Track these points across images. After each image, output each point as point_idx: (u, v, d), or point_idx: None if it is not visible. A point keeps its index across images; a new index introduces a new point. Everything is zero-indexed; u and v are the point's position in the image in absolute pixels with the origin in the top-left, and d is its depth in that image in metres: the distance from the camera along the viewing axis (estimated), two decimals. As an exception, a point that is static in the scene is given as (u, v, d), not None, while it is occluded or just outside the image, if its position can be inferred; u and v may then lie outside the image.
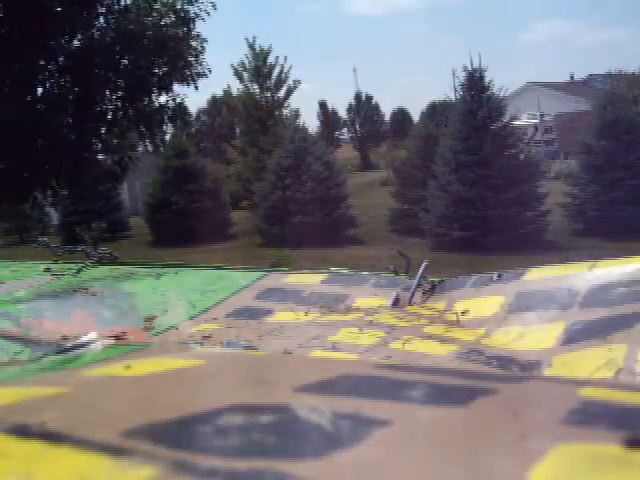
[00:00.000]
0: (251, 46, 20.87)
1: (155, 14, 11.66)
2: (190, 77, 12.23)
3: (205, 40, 12.44)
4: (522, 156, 12.17)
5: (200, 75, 12.30)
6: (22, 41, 10.21)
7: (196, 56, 12.32)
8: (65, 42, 11.22)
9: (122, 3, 11.65)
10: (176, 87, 12.26)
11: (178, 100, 12.48)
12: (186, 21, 11.95)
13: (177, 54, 11.72)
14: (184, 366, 0.32)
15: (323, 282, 0.74)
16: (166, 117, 12.57)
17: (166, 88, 12.12)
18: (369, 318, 0.61)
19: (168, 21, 11.75)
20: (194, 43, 12.23)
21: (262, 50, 20.94)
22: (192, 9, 11.97)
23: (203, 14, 12.18)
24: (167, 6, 11.74)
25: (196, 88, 12.51)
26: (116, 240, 16.55)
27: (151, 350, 0.48)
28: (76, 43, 11.50)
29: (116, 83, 11.86)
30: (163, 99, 12.27)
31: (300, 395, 0.24)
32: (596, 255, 0.69)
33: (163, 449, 0.19)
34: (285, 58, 21.26)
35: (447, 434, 0.21)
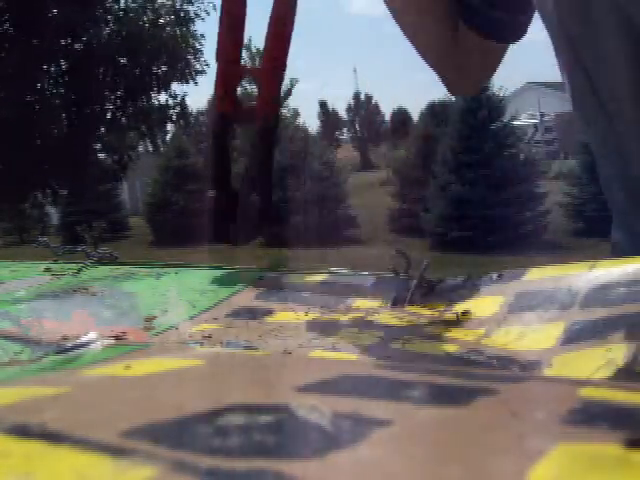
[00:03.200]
0: (247, 46, 20.89)
1: (153, 15, 11.68)
2: (189, 75, 12.25)
3: (202, 37, 12.47)
4: (522, 156, 12.17)
5: (198, 72, 12.32)
6: (21, 42, 10.20)
7: (194, 54, 12.34)
8: (64, 42, 11.23)
9: (121, 4, 11.67)
10: (175, 85, 12.30)
11: (179, 99, 12.50)
12: (185, 21, 11.97)
13: (176, 54, 11.74)
14: (184, 366, 0.32)
15: (323, 282, 0.74)
16: (167, 117, 12.60)
17: (165, 88, 12.14)
18: (369, 318, 0.61)
19: (167, 20, 11.77)
20: (192, 41, 12.25)
21: (258, 50, 20.97)
22: (192, 9, 12.00)
23: (203, 14, 12.21)
24: (166, 7, 11.77)
25: (196, 84, 12.55)
26: (116, 240, 16.54)
27: (151, 350, 0.48)
28: (76, 43, 11.51)
29: (115, 82, 11.86)
30: (163, 98, 12.31)
31: (300, 395, 0.24)
32: (596, 255, 0.69)
33: (163, 449, 0.19)
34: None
35: (447, 434, 0.21)
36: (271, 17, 0.79)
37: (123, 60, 11.83)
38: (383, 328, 0.57)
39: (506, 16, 0.81)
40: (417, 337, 0.54)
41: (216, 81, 0.79)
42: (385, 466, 0.18)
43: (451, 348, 0.51)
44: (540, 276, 0.59)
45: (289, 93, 21.61)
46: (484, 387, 0.26)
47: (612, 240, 0.78)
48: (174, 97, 12.82)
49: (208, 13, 12.36)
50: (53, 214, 19.11)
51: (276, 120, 0.81)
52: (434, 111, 13.93)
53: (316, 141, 15.39)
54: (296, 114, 22.11)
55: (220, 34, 0.79)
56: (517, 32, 0.85)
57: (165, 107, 12.74)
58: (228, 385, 0.28)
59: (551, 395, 0.27)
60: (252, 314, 0.66)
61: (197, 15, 12.22)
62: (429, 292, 0.68)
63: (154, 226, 16.47)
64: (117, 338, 0.53)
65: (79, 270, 0.81)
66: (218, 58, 0.79)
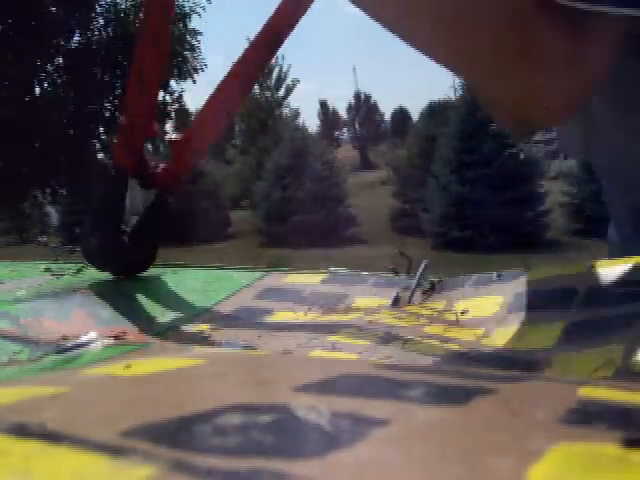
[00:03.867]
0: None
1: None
2: (187, 72, 12.26)
3: (200, 33, 12.48)
4: (522, 155, 12.18)
5: (196, 70, 12.33)
6: (20, 41, 10.20)
7: (192, 51, 12.34)
8: (63, 41, 11.24)
9: (120, 3, 11.69)
10: (173, 83, 12.32)
11: (176, 95, 12.52)
12: (181, 16, 11.98)
13: (174, 51, 11.75)
14: (183, 366, 0.32)
15: (323, 282, 0.74)
16: (166, 114, 12.61)
17: (164, 86, 12.15)
18: (369, 318, 0.61)
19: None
20: (189, 38, 12.27)
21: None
22: (187, 4, 12.01)
23: (198, 9, 12.22)
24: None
25: (194, 82, 12.53)
26: (116, 239, 16.45)
27: (150, 350, 0.48)
28: (74, 42, 11.53)
29: (114, 81, 11.87)
30: (161, 96, 12.31)
31: (300, 395, 0.24)
32: (596, 255, 0.69)
33: (162, 449, 0.19)
34: (283, 57, 21.33)
35: (446, 434, 0.21)
36: (202, 110, 0.77)
37: (121, 58, 11.83)
38: (383, 328, 0.57)
39: None
40: (417, 337, 0.54)
41: (121, 133, 0.75)
42: (384, 466, 0.18)
43: (451, 348, 0.51)
44: (539, 276, 0.59)
45: (289, 93, 21.65)
46: (483, 387, 0.26)
47: (609, 240, 0.76)
48: (172, 94, 12.84)
49: (204, 8, 12.37)
50: (52, 214, 19.09)
51: (177, 188, 0.80)
52: (434, 111, 13.92)
53: (316, 141, 15.39)
54: (296, 114, 22.17)
55: (130, 80, 0.72)
56: None
57: (163, 104, 12.74)
58: (227, 385, 0.28)
59: (550, 395, 0.27)
60: (252, 314, 0.66)
61: (193, 11, 12.22)
62: (429, 292, 0.68)
63: (154, 226, 16.41)
64: (117, 338, 0.53)
65: (79, 270, 0.81)
66: (126, 112, 0.73)
